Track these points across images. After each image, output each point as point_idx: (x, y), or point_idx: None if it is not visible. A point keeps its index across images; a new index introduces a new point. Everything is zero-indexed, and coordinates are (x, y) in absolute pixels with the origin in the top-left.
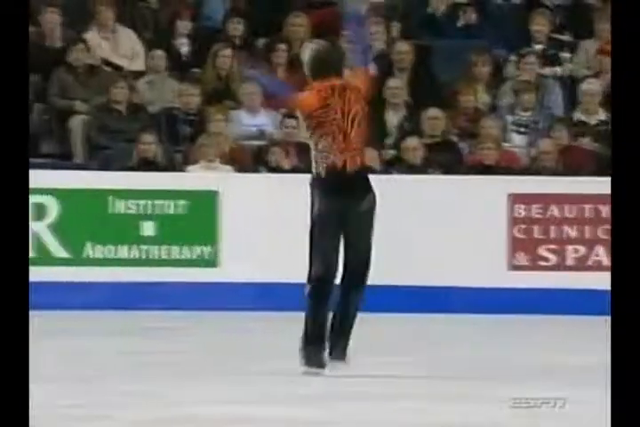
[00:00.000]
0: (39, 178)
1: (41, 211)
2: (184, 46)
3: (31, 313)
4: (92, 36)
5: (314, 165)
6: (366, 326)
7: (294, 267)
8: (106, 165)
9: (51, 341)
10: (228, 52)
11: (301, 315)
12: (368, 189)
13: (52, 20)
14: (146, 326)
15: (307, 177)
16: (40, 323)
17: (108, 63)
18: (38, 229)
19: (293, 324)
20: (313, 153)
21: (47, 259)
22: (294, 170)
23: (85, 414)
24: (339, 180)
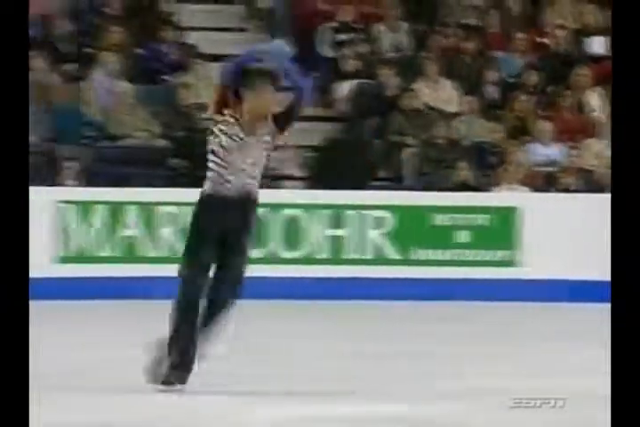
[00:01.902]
0: (379, 197)
1: (380, 222)
2: (491, 93)
3: (365, 303)
4: (419, 85)
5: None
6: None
7: (575, 267)
8: (429, 187)
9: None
10: (524, 97)
11: (585, 306)
12: (246, 209)
13: (387, 74)
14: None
15: (591, 196)
16: (365, 311)
17: (431, 107)
18: (376, 236)
19: (577, 313)
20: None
21: (383, 260)
22: (576, 190)
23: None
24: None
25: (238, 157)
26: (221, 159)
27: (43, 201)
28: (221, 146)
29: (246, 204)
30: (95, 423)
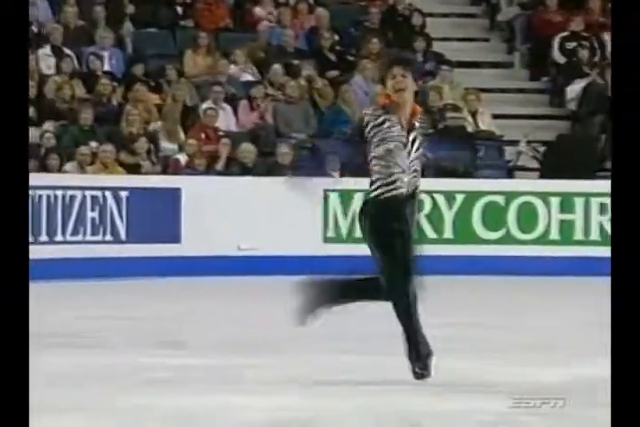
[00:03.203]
0: (604, 185)
1: (604, 208)
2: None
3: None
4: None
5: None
6: None
7: None
8: None
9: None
10: None
11: None
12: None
13: None
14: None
15: None
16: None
17: None
18: (601, 220)
19: None
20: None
21: (608, 242)
22: None
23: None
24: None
25: (404, 156)
26: (389, 162)
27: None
28: (387, 150)
29: (414, 198)
30: None
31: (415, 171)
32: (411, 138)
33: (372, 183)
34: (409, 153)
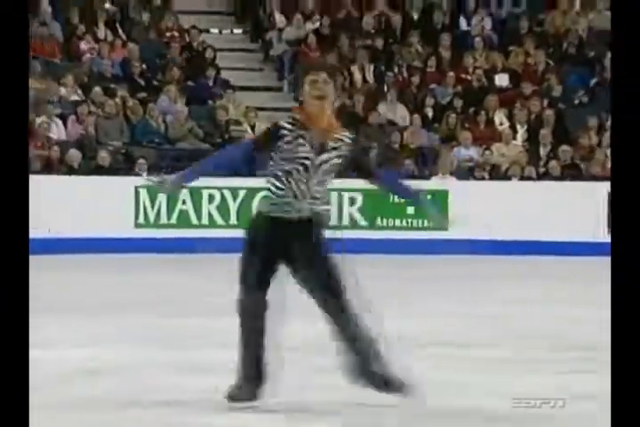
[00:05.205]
0: (352, 183)
1: (353, 200)
2: (430, 112)
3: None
4: (381, 107)
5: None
6: None
7: (487, 230)
8: None
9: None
10: (453, 115)
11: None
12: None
13: (359, 99)
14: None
15: (498, 183)
16: None
17: (389, 122)
18: (351, 210)
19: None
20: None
21: (357, 226)
22: (488, 179)
23: None
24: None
25: (302, 181)
26: (284, 184)
27: (125, 186)
28: (285, 171)
29: (310, 225)
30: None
31: (315, 198)
32: (319, 160)
33: (264, 197)
34: (310, 177)
